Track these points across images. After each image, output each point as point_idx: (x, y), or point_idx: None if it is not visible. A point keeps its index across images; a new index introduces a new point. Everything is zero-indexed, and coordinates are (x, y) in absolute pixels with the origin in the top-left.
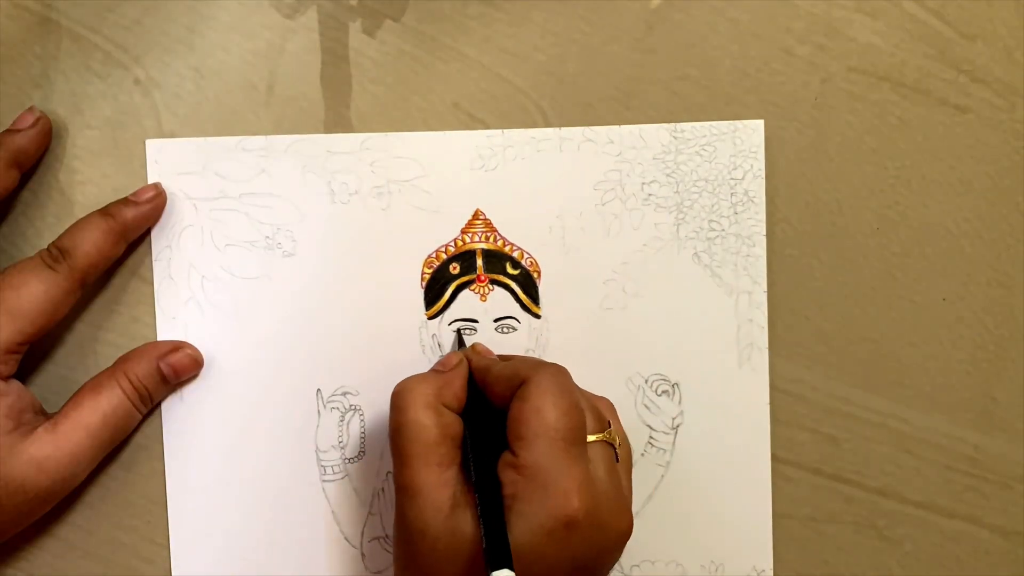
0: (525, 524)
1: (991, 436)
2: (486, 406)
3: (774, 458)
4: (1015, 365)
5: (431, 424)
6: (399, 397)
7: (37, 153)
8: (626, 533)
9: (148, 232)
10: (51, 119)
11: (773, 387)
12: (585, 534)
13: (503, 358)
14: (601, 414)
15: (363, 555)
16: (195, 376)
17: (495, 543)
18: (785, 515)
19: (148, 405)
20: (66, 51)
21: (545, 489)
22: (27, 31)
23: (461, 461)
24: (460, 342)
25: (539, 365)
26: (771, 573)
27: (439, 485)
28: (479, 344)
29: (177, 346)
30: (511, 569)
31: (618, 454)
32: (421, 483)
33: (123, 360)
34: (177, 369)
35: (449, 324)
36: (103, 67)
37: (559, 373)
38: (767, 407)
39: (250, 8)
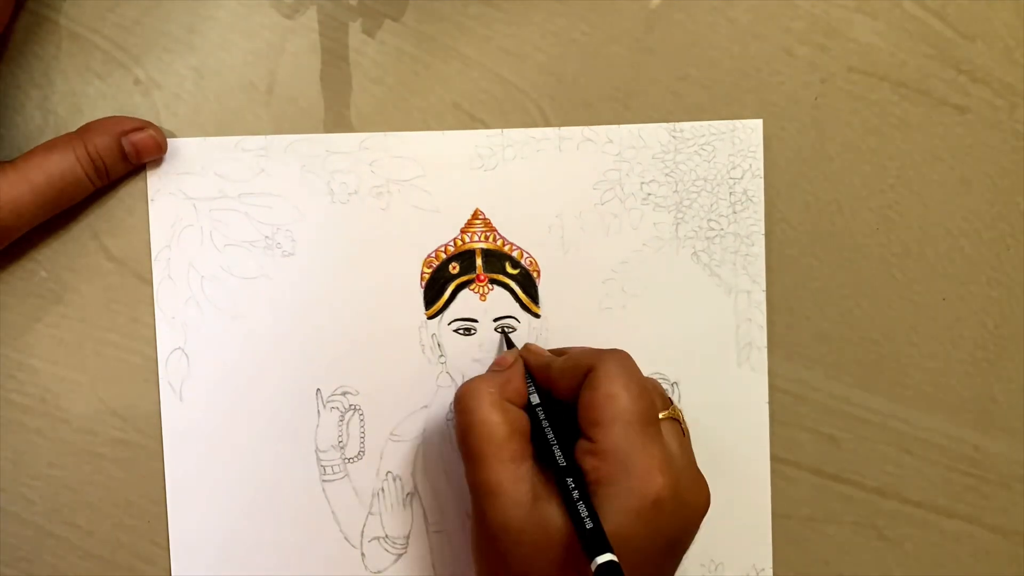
0: (612, 507)
1: (991, 436)
2: (548, 400)
3: (774, 458)
4: (1015, 365)
5: (500, 421)
6: (465, 399)
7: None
8: (706, 504)
9: (148, 231)
10: (52, 119)
11: (773, 387)
12: (671, 510)
13: (556, 352)
14: (663, 392)
15: (363, 555)
16: (158, 160)
17: (593, 530)
18: (785, 515)
19: (103, 179)
20: (66, 51)
21: (628, 471)
22: (27, 31)
23: (533, 455)
24: (508, 343)
25: (601, 353)
26: (771, 572)
27: (516, 480)
28: (532, 344)
29: (141, 125)
30: (612, 553)
31: (684, 428)
32: (498, 480)
33: (86, 128)
34: (139, 148)
35: (449, 324)
36: (103, 67)
37: (624, 357)
38: (766, 406)
39: (250, 8)
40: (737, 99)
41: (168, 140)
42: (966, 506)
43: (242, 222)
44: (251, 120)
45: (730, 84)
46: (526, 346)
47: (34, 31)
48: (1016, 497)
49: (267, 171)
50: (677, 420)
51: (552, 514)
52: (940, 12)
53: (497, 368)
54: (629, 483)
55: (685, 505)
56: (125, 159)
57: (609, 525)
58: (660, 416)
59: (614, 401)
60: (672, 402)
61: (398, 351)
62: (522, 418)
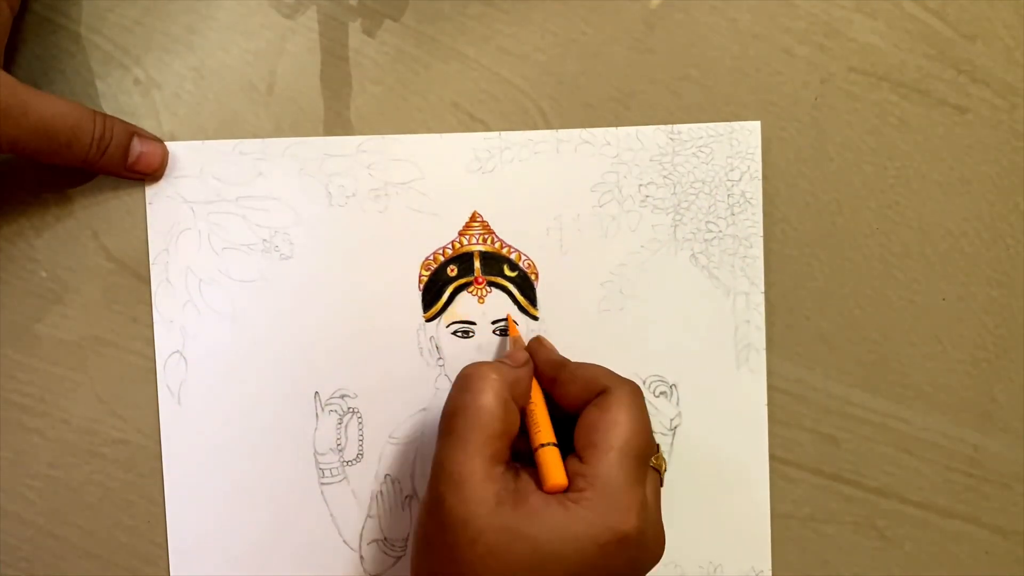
0: (581, 532)
1: (991, 436)
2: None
3: (774, 458)
4: (1015, 365)
5: (500, 416)
6: (473, 380)
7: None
8: (659, 557)
9: (146, 232)
10: None
11: (773, 387)
12: (630, 552)
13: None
14: (654, 440)
15: (361, 558)
16: (154, 176)
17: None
18: (785, 515)
19: (100, 153)
20: (66, 51)
21: (609, 501)
22: (27, 31)
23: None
24: (505, 332)
25: (619, 379)
26: (769, 574)
27: (486, 478)
28: (544, 338)
29: (156, 138)
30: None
31: (662, 479)
32: (469, 472)
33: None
34: (144, 151)
35: (447, 326)
36: (103, 67)
37: (638, 391)
38: (764, 408)
39: (250, 8)
40: (737, 99)
41: (165, 144)
42: (966, 506)
43: (240, 225)
44: (251, 120)
45: (730, 84)
46: (538, 338)
47: (34, 31)
48: (1016, 497)
49: (265, 174)
50: (659, 471)
51: (512, 523)
52: (940, 12)
53: (508, 362)
54: (606, 513)
55: (643, 551)
56: (126, 155)
57: (570, 546)
58: (651, 462)
59: (618, 429)
60: (659, 448)
61: (396, 354)
62: (517, 423)
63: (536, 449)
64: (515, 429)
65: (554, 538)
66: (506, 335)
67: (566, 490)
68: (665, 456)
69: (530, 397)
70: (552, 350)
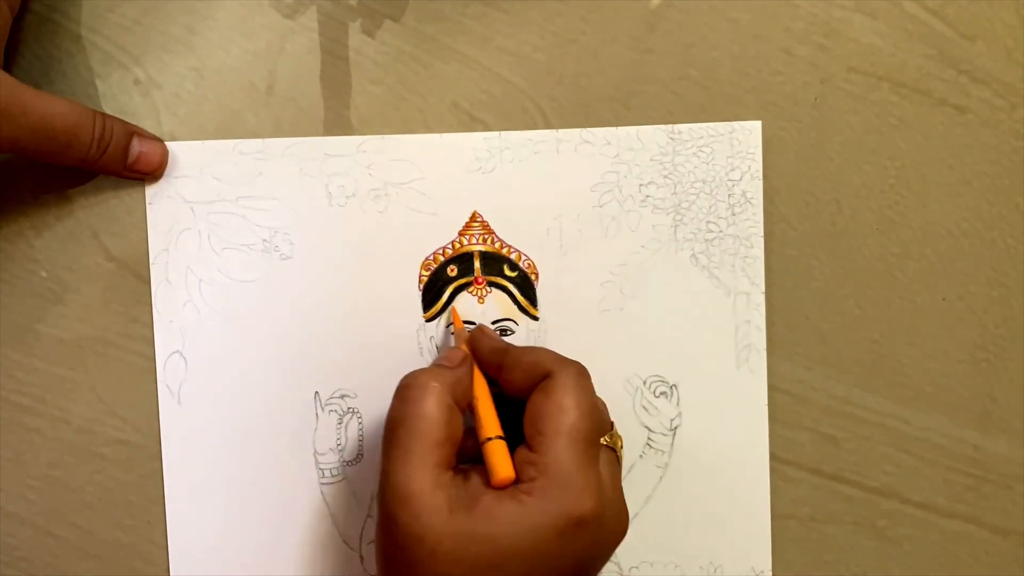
0: (536, 520)
1: (991, 436)
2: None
3: (774, 458)
4: (1015, 365)
5: (441, 421)
6: (412, 389)
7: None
8: (623, 534)
9: (146, 234)
10: None
11: (773, 387)
12: (590, 534)
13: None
14: (606, 416)
15: (361, 557)
16: (154, 176)
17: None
18: (785, 515)
19: (99, 154)
20: (66, 51)
21: (561, 488)
22: (28, 31)
23: (454, 465)
24: (504, 332)
25: (563, 361)
26: (769, 574)
27: (435, 487)
28: (485, 326)
29: (156, 138)
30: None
31: (619, 456)
32: (418, 486)
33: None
34: (144, 151)
35: (447, 327)
36: (103, 67)
37: (582, 372)
38: (765, 408)
39: (250, 8)
40: (737, 99)
41: (165, 144)
42: (966, 506)
43: (240, 225)
44: (251, 120)
45: (730, 84)
46: (479, 327)
47: (34, 31)
48: (1016, 497)
49: (265, 174)
50: (613, 449)
51: (469, 527)
52: (940, 12)
53: (446, 364)
54: (560, 499)
55: (604, 530)
56: (126, 155)
57: (529, 538)
58: (601, 441)
59: (563, 414)
60: (613, 426)
61: (396, 354)
62: (461, 426)
63: (482, 444)
64: (459, 432)
65: (511, 533)
66: (506, 335)
67: (518, 481)
68: (664, 452)
69: (473, 394)
70: (494, 338)
